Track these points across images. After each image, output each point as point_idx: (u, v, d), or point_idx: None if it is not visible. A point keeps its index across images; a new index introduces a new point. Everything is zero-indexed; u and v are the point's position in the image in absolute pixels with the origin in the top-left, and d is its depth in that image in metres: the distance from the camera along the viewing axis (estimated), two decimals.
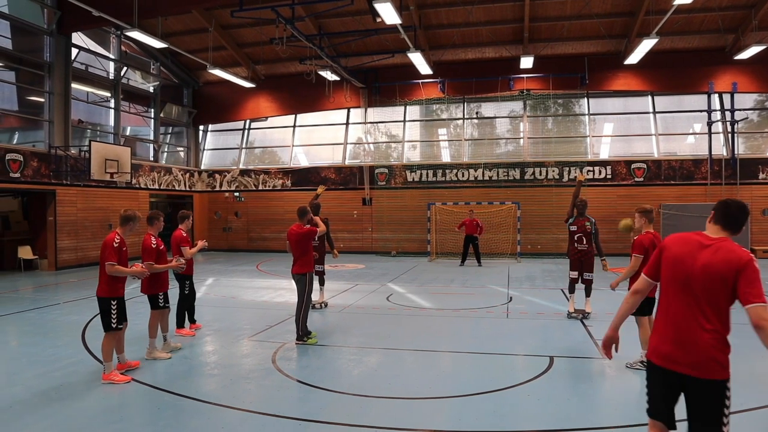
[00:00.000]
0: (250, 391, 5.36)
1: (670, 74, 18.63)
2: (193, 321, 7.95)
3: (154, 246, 6.28)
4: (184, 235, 7.22)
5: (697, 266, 2.73)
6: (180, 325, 7.62)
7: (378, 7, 12.33)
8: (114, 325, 5.57)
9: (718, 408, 2.68)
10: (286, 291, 11.91)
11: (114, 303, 5.57)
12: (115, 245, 5.48)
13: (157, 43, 15.63)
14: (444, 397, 5.10)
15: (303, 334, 7.07)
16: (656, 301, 5.84)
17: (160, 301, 6.57)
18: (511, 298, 10.69)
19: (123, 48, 19.08)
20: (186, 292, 7.56)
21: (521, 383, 5.42)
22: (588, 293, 8.58)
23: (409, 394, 5.13)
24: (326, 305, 9.77)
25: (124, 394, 5.22)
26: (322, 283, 9.81)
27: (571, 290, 8.71)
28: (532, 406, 4.86)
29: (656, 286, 3.03)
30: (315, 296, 9.77)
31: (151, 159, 20.74)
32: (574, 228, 8.58)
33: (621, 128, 19.96)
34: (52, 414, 4.67)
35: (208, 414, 4.73)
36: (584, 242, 8.50)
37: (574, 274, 8.59)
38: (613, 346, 3.15)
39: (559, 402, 4.93)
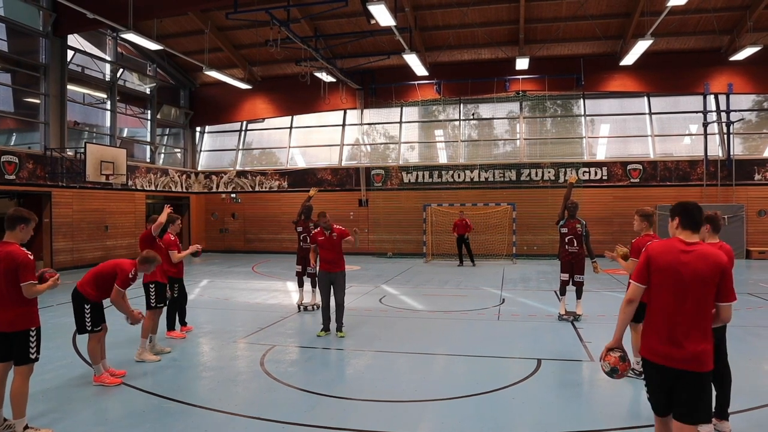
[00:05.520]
0: (237, 393, 5.39)
1: (666, 75, 18.64)
2: (184, 323, 7.97)
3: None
4: (173, 238, 7.24)
5: (686, 271, 3.03)
6: (170, 327, 7.64)
7: (372, 9, 12.35)
8: (89, 328, 5.55)
9: (706, 395, 3.03)
10: (280, 293, 11.94)
11: (88, 307, 5.55)
12: (130, 276, 5.55)
13: (153, 45, 15.65)
14: (429, 400, 5.12)
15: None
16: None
17: (152, 300, 6.66)
18: (503, 300, 10.71)
19: (119, 50, 19.10)
20: (174, 295, 7.57)
21: (506, 386, 5.43)
22: (579, 295, 8.59)
23: (395, 397, 5.15)
24: (318, 307, 9.76)
25: (110, 397, 5.25)
26: (314, 285, 9.80)
27: (562, 292, 8.72)
28: (515, 409, 4.88)
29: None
30: (307, 298, 9.84)
31: (148, 160, 20.74)
32: (564, 230, 8.60)
33: (617, 129, 19.97)
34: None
35: (194, 417, 4.75)
36: (575, 244, 8.51)
37: (565, 276, 8.61)
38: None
39: (543, 405, 4.95)
